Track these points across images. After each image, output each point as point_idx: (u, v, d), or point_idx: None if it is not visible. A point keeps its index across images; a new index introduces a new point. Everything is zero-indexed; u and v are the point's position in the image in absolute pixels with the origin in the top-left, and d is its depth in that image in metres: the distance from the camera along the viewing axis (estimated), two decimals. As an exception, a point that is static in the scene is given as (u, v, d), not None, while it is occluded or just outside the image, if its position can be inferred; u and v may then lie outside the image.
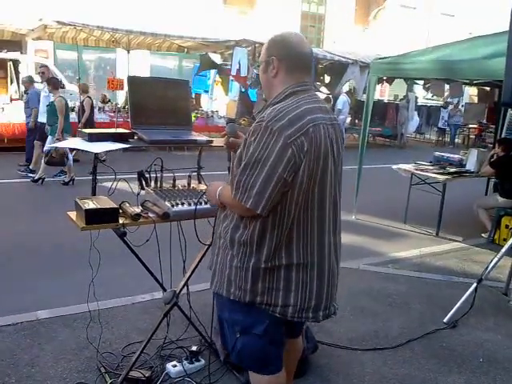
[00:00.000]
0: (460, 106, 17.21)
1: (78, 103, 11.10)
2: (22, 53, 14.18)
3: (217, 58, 14.94)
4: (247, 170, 1.66)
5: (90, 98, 9.88)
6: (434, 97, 17.73)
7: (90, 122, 9.78)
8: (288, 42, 1.79)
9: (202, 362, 2.83)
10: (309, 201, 1.72)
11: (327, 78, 15.22)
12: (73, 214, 2.34)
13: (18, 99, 11.79)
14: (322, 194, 1.75)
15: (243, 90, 12.26)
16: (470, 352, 3.24)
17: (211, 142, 2.78)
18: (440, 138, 17.87)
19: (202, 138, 2.82)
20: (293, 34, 1.83)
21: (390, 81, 13.91)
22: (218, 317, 2.03)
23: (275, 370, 1.91)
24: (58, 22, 10.23)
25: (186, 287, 2.81)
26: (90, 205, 2.25)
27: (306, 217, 1.73)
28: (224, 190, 1.83)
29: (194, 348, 2.86)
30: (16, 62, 12.72)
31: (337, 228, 1.87)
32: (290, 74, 1.78)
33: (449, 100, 17.28)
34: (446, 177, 5.95)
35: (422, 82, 11.15)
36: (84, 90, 10.00)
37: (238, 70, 11.66)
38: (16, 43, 13.86)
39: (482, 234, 5.91)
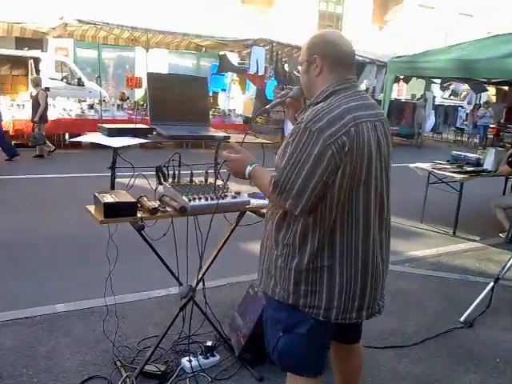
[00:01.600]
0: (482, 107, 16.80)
1: (96, 100, 11.24)
2: (42, 51, 14.42)
3: (234, 57, 14.98)
4: (285, 170, 1.65)
5: (44, 90, 9.47)
6: (451, 96, 17.53)
7: (44, 117, 9.44)
8: (329, 40, 1.78)
9: (217, 357, 2.85)
10: (353, 201, 1.69)
11: (344, 77, 15.15)
12: (91, 208, 2.37)
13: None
14: (367, 194, 1.72)
15: (260, 88, 12.30)
16: (486, 352, 3.20)
17: (228, 137, 2.79)
18: (458, 138, 17.63)
19: (219, 134, 2.84)
20: (332, 31, 1.84)
21: (406, 80, 13.80)
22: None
23: (314, 374, 1.87)
24: (78, 20, 10.38)
25: (202, 282, 2.83)
26: (109, 198, 2.28)
27: (350, 217, 1.70)
28: (260, 174, 1.80)
29: (209, 343, 2.87)
30: (37, 60, 12.93)
31: (384, 226, 1.87)
32: (332, 71, 1.76)
33: (469, 100, 17.05)
34: (464, 176, 5.87)
35: (439, 81, 11.01)
36: (37, 83, 9.59)
37: (256, 70, 11.71)
38: (37, 41, 14.11)
39: (500, 234, 5.83)
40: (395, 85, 9.00)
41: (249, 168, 1.82)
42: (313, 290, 1.73)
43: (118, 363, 2.75)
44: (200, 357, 2.79)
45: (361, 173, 1.67)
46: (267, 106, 2.20)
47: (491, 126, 16.61)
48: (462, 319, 3.56)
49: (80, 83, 13.80)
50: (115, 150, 2.44)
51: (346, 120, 1.63)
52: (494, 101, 19.26)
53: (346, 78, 1.77)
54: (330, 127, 1.61)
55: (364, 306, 1.79)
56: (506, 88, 13.65)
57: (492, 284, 3.65)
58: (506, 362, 3.09)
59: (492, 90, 18.43)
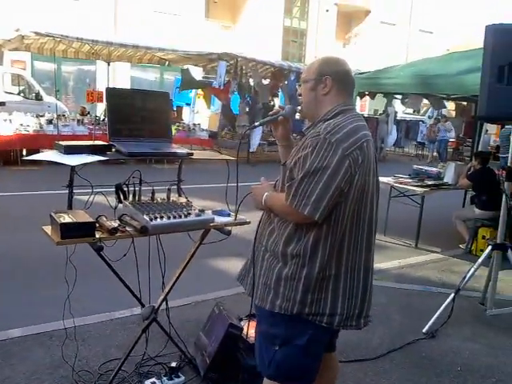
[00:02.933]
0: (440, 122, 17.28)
1: (55, 115, 10.98)
2: (-3, 64, 14.04)
3: (199, 71, 14.95)
4: (305, 178, 1.73)
5: None
6: (415, 112, 18.04)
7: None
8: (341, 65, 1.92)
9: (182, 378, 2.77)
10: (361, 213, 1.81)
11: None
12: (48, 229, 2.27)
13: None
14: (370, 207, 1.85)
15: (225, 102, 12.33)
16: (448, 361, 3.27)
17: (191, 154, 2.75)
18: (419, 152, 18.12)
19: (182, 150, 2.80)
20: (342, 59, 1.97)
21: (372, 95, 14.08)
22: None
23: (308, 382, 1.94)
24: (35, 32, 10.08)
25: (165, 302, 2.77)
26: (66, 219, 2.19)
27: (357, 228, 1.81)
28: (273, 196, 1.90)
29: (174, 364, 2.79)
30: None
31: (374, 239, 1.97)
32: (338, 94, 1.89)
33: (430, 115, 17.53)
34: (425, 189, 6.03)
35: (400, 97, 11.34)
36: None
37: (219, 84, 11.75)
38: (-8, 54, 13.72)
39: (460, 245, 6.00)
40: (358, 100, 9.14)
41: (266, 195, 1.91)
42: (318, 298, 1.80)
43: (78, 389, 2.63)
44: (164, 378, 2.71)
45: (368, 187, 1.81)
46: (256, 123, 2.20)
47: (451, 140, 17.16)
48: (424, 330, 3.63)
49: (38, 97, 13.45)
50: (72, 168, 2.36)
51: (360, 135, 1.78)
52: (454, 115, 19.95)
53: (348, 101, 1.93)
54: (348, 139, 1.74)
55: (363, 313, 1.89)
56: (465, 103, 14.16)
57: (453, 295, 3.75)
58: (467, 370, 3.17)
59: (451, 105, 19.10)
